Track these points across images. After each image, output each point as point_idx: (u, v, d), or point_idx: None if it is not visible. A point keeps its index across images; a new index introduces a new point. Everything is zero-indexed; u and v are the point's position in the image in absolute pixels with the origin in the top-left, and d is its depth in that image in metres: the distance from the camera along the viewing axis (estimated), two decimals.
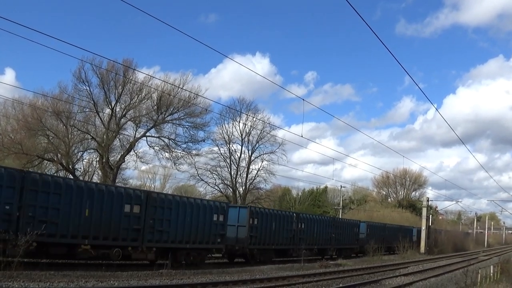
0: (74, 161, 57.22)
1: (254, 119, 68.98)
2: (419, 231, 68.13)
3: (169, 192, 67.30)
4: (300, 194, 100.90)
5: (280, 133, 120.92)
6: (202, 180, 70.43)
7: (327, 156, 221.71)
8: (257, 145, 72.38)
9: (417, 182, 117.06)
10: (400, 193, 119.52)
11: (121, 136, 56.87)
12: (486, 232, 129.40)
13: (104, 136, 55.02)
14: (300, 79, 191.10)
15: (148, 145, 59.14)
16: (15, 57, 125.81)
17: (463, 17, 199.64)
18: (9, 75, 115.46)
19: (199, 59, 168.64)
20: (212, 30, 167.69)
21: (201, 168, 68.64)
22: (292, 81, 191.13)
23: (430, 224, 70.44)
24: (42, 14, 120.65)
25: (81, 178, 55.18)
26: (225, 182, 71.32)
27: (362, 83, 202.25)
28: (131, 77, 54.64)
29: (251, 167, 72.43)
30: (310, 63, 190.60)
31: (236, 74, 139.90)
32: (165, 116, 57.67)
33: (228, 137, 70.80)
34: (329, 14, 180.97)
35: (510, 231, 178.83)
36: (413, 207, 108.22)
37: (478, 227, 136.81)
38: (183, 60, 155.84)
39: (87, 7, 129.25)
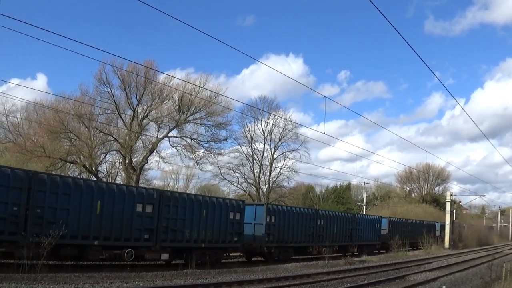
0: (97, 163, 57.66)
1: (276, 117, 69.08)
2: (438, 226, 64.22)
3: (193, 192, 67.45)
4: (323, 191, 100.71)
5: (306, 132, 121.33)
6: (225, 179, 70.79)
7: (353, 153, 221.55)
8: (280, 143, 72.49)
9: (441, 177, 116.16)
10: (423, 188, 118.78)
11: (143, 137, 57.24)
12: (511, 225, 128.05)
13: (127, 138, 55.26)
14: (333, 78, 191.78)
15: (171, 145, 59.53)
16: (45, 62, 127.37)
17: (491, 16, 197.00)
18: (41, 81, 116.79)
19: (232, 61, 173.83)
20: (249, 32, 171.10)
21: (224, 167, 68.97)
22: (325, 80, 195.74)
23: (454, 219, 69.80)
24: (68, 18, 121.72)
25: (104, 179, 55.50)
26: (248, 180, 71.50)
27: (393, 79, 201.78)
28: (152, 78, 54.88)
29: (274, 165, 72.53)
30: (343, 61, 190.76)
31: (270, 75, 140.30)
32: (187, 116, 57.85)
33: (251, 135, 71.05)
34: (362, 12, 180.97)
35: None
36: (437, 202, 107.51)
37: (502, 221, 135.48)
38: (217, 62, 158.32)
39: (119, 13, 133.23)
